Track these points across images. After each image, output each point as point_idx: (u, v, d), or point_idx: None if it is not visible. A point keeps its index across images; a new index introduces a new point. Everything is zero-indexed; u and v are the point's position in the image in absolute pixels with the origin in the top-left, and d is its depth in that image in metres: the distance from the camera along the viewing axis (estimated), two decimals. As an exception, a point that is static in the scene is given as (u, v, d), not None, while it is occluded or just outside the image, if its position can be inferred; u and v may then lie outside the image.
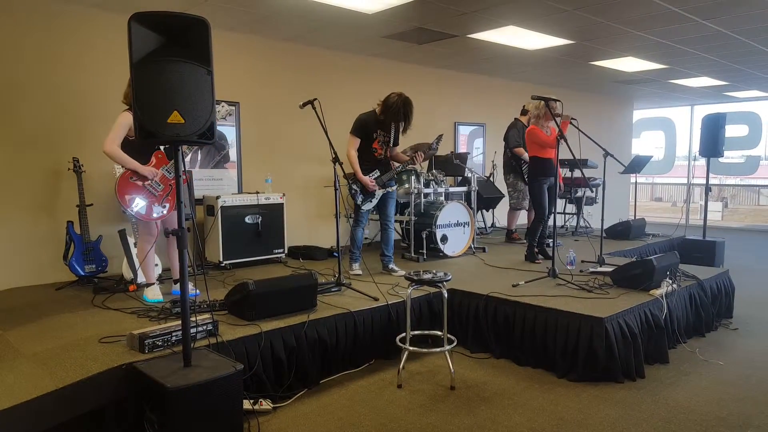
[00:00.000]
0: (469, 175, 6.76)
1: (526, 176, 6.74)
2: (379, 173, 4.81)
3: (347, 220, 4.96)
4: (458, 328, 4.20)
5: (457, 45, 6.47)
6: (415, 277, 3.53)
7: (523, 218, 7.32)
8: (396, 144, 4.91)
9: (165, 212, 3.89)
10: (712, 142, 6.86)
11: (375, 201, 4.85)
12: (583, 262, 5.36)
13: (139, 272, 4.35)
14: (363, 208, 4.82)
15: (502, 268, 5.19)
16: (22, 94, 4.63)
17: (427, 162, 7.14)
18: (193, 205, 5.17)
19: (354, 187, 4.74)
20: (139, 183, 3.79)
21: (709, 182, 7.16)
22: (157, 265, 4.25)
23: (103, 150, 3.73)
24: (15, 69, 4.58)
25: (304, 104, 4.12)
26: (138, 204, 3.77)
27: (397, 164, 4.91)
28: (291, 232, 5.91)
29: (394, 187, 4.99)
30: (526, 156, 6.61)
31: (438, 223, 5.60)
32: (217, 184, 5.86)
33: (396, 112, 4.57)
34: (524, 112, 6.90)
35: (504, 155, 7.08)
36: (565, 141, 4.69)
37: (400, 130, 4.82)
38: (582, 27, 5.70)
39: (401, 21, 5.46)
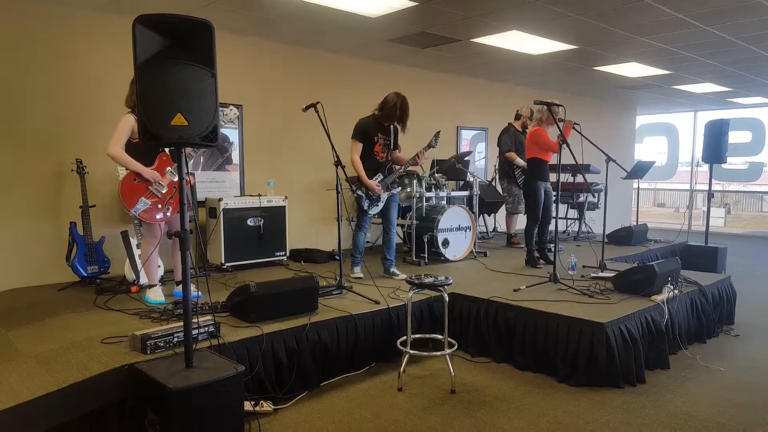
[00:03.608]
0: (471, 179, 6.77)
1: (519, 180, 6.77)
2: (382, 176, 4.82)
3: (349, 223, 4.97)
4: (459, 332, 4.20)
5: (461, 49, 6.49)
6: (416, 281, 3.53)
7: (522, 222, 7.32)
8: (396, 147, 4.94)
9: (168, 214, 3.90)
10: (715, 148, 6.84)
11: (381, 204, 4.86)
12: (584, 267, 5.35)
13: (142, 273, 4.37)
14: (369, 212, 4.82)
15: (504, 273, 5.19)
16: (26, 96, 4.66)
17: (428, 165, 7.15)
18: (195, 207, 5.18)
19: (359, 192, 4.76)
20: (143, 185, 3.81)
21: (712, 188, 7.15)
22: (159, 266, 4.26)
23: (107, 153, 3.74)
24: (19, 71, 4.61)
25: (307, 107, 4.13)
26: (140, 205, 3.78)
27: (398, 167, 4.92)
28: (293, 235, 5.92)
29: (398, 190, 5.00)
30: (518, 161, 6.65)
31: (439, 227, 5.61)
32: (219, 186, 5.88)
33: (393, 108, 4.63)
34: (517, 116, 6.94)
35: (498, 160, 7.10)
36: (568, 146, 4.70)
37: (399, 133, 4.87)
38: (585, 32, 5.71)
39: (405, 25, 5.48)
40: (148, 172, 3.80)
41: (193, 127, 2.43)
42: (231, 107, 4.15)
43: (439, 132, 4.92)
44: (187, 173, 3.99)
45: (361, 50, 6.63)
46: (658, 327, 3.86)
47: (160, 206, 3.84)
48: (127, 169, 3.81)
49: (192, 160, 5.56)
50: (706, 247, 6.91)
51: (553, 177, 5.55)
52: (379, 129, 4.77)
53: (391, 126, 4.82)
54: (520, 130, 6.84)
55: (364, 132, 4.73)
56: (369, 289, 4.30)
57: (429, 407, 3.21)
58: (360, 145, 4.73)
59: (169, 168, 3.94)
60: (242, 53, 5.93)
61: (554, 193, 5.29)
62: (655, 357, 3.82)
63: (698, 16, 5.11)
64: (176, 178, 3.89)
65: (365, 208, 4.79)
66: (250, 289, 3.42)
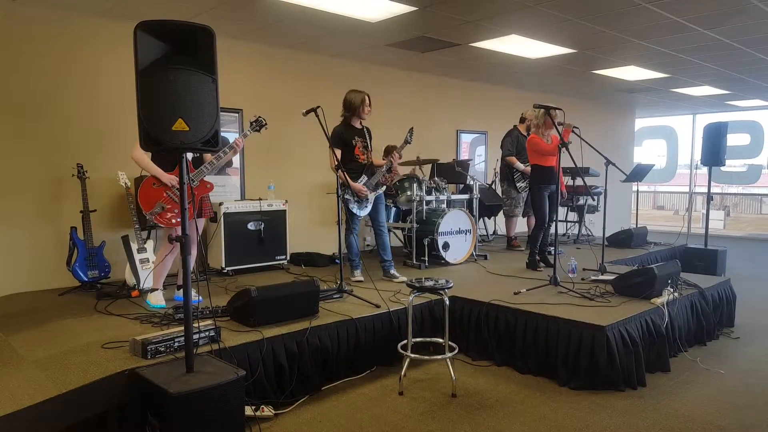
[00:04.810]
0: (471, 182, 6.78)
1: (516, 184, 6.77)
2: (367, 178, 4.87)
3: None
4: (460, 336, 4.20)
5: (460, 53, 6.51)
6: (417, 285, 3.54)
7: (523, 226, 7.33)
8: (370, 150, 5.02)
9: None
10: (714, 150, 6.85)
11: (369, 205, 4.93)
12: (584, 270, 5.36)
13: (142, 278, 4.37)
14: (360, 214, 4.88)
15: (504, 276, 5.19)
16: (27, 102, 4.66)
17: (430, 168, 7.16)
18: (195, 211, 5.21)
19: (347, 196, 4.79)
20: (161, 189, 3.84)
21: (711, 191, 7.16)
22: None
23: (130, 156, 3.81)
24: (21, 78, 4.62)
25: (307, 112, 4.15)
26: (157, 209, 3.81)
27: (379, 168, 4.96)
28: (293, 239, 5.93)
29: (383, 189, 5.06)
30: (517, 165, 6.66)
31: (440, 230, 5.61)
32: (219, 190, 5.88)
33: (359, 104, 4.74)
34: (522, 120, 6.93)
35: (499, 163, 7.12)
36: (567, 149, 4.71)
37: (372, 137, 4.99)
38: (584, 36, 5.73)
39: (404, 29, 5.49)
40: (166, 177, 3.84)
41: (194, 132, 2.44)
42: (260, 117, 4.23)
43: (412, 128, 4.99)
44: (199, 180, 4.04)
45: (361, 54, 6.65)
46: (659, 330, 3.86)
47: (176, 211, 3.87)
48: (147, 172, 3.86)
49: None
50: (705, 249, 6.92)
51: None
52: (354, 132, 4.85)
53: (365, 128, 4.93)
54: (525, 133, 6.83)
55: (340, 138, 4.80)
56: (369, 292, 4.31)
57: (430, 411, 3.21)
58: (339, 152, 4.78)
59: (189, 174, 3.97)
60: (243, 58, 5.94)
61: (563, 194, 5.28)
62: (655, 360, 3.82)
63: (696, 19, 5.13)
64: (195, 184, 3.94)
65: (354, 210, 4.84)
66: (251, 293, 3.43)
